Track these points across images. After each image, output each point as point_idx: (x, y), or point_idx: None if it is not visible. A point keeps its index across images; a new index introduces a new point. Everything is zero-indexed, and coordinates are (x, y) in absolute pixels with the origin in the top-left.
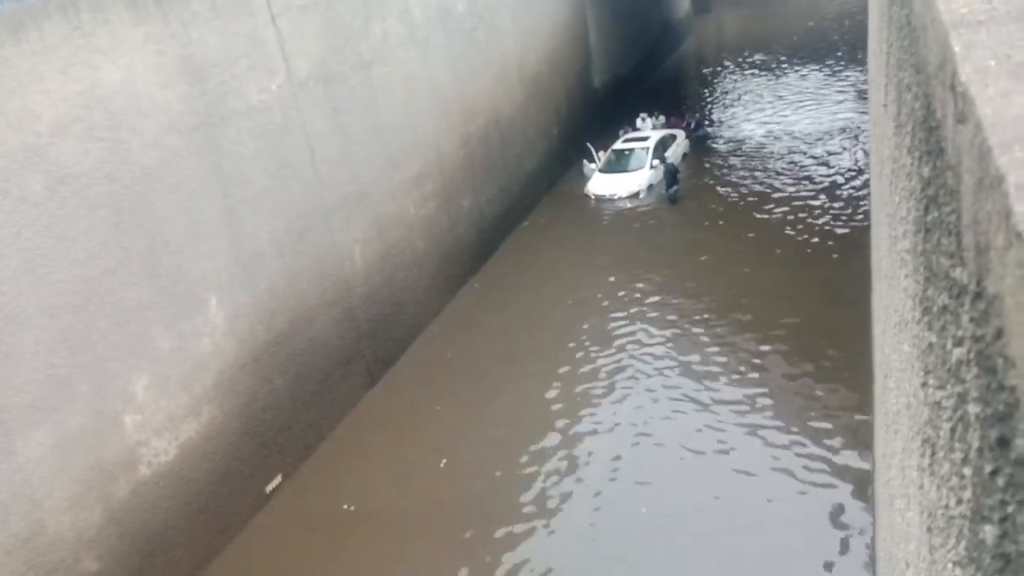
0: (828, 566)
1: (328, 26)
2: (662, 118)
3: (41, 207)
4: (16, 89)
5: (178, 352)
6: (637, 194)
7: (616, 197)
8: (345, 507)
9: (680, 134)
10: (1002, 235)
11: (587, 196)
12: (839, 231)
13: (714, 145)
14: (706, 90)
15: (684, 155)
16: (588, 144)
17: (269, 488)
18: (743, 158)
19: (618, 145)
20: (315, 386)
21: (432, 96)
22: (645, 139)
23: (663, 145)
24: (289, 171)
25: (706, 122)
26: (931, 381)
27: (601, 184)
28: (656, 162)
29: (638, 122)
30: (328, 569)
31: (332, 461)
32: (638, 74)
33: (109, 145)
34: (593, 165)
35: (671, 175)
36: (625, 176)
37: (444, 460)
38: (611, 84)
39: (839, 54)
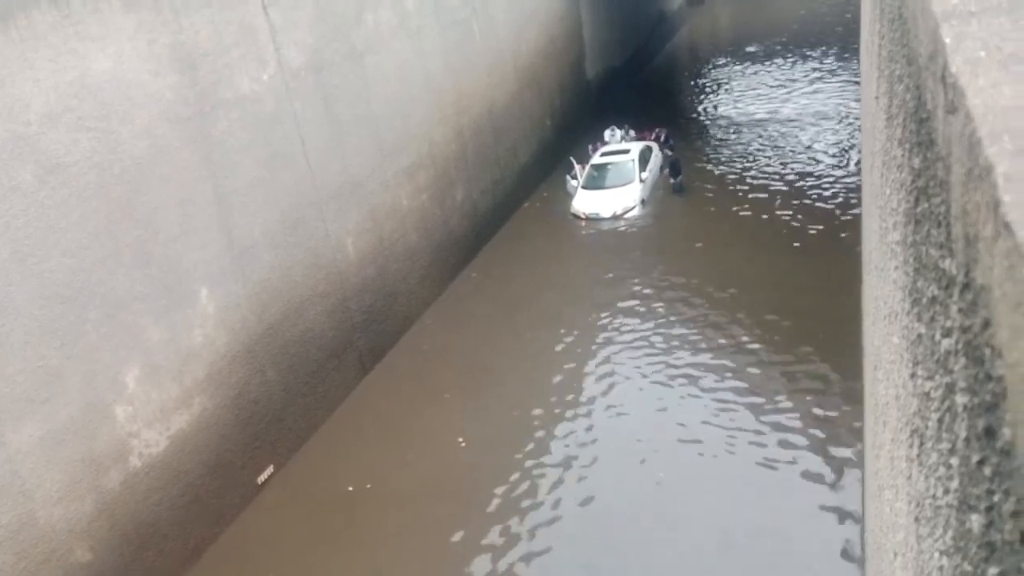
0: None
1: (320, 15)
2: (632, 131)
3: (31, 197)
4: (5, 78)
5: (169, 343)
6: (632, 210)
7: (611, 216)
8: (350, 488)
9: (655, 147)
10: (990, 225)
11: (576, 217)
12: (831, 217)
13: (708, 134)
14: (700, 81)
15: (661, 168)
16: (571, 158)
17: (261, 479)
18: (735, 145)
19: (597, 160)
20: (307, 377)
21: (425, 87)
22: (626, 151)
23: (643, 158)
24: (281, 162)
25: (671, 140)
26: (920, 372)
27: (589, 202)
28: (646, 175)
29: (606, 134)
30: (323, 552)
31: (326, 450)
32: (632, 66)
33: (99, 135)
34: (575, 182)
35: (675, 166)
36: (615, 192)
37: (461, 439)
38: (604, 76)
39: (830, 45)
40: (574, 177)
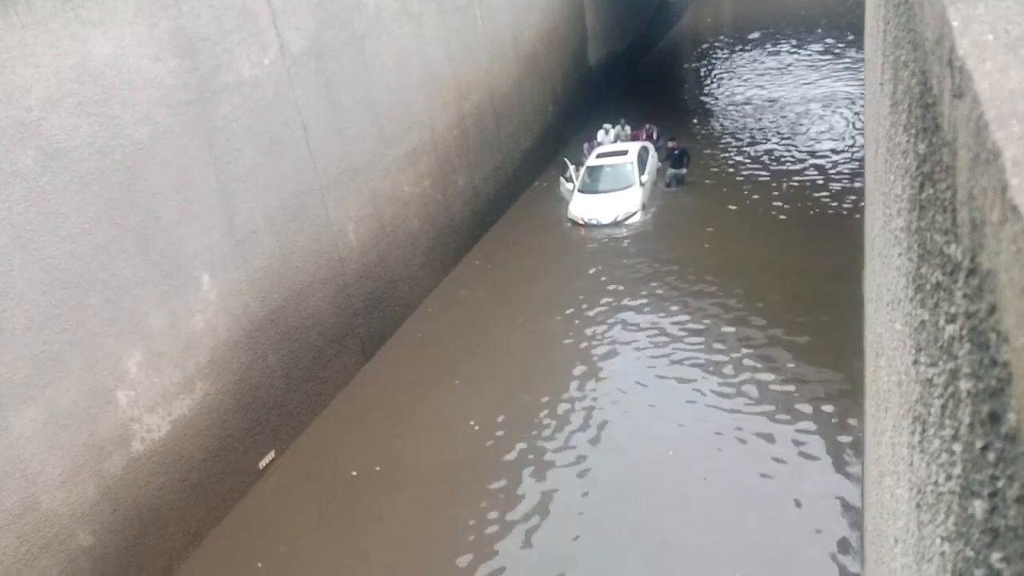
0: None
1: None
2: (628, 127)
3: (32, 182)
4: (6, 63)
5: (171, 329)
6: (634, 216)
7: (612, 221)
8: (354, 473)
9: (651, 146)
10: (997, 210)
11: (574, 223)
12: (834, 204)
13: (710, 121)
14: (702, 68)
15: (657, 167)
16: (564, 159)
17: (262, 464)
18: (739, 133)
19: (593, 162)
20: (309, 363)
21: (426, 72)
22: (623, 153)
23: (641, 160)
24: (282, 148)
25: (665, 137)
26: (923, 358)
27: (588, 207)
28: (645, 178)
29: (600, 134)
30: (324, 536)
31: (327, 436)
32: (634, 52)
33: (100, 120)
34: (571, 185)
35: (681, 158)
36: (615, 196)
37: (473, 423)
38: (607, 62)
39: (835, 31)
40: (569, 179)
